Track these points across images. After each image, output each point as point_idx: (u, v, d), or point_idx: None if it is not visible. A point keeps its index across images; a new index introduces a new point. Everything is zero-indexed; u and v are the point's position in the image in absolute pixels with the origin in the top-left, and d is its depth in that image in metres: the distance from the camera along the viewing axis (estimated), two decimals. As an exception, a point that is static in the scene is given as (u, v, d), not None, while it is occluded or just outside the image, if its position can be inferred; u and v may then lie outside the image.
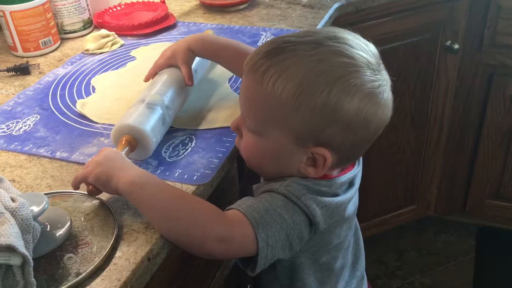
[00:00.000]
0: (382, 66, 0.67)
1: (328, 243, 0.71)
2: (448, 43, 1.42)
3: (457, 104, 1.55)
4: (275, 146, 0.66)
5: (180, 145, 0.78)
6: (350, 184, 0.72)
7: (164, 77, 0.84)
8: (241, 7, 1.26)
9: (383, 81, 0.65)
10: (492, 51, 1.44)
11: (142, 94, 0.81)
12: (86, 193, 0.66)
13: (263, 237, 0.62)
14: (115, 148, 0.72)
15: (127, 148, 0.72)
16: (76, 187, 0.67)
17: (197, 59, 0.89)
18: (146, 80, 0.89)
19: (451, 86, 1.52)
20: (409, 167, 1.63)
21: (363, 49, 0.64)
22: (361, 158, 0.76)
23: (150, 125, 0.74)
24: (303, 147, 0.65)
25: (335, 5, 1.23)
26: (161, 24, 1.18)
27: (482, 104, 1.53)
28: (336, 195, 0.68)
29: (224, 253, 0.64)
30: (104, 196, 0.67)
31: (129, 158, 0.70)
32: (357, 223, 0.82)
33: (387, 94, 0.66)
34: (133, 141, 0.72)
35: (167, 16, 1.21)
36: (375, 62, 0.65)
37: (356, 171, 0.73)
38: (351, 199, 0.71)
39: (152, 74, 0.88)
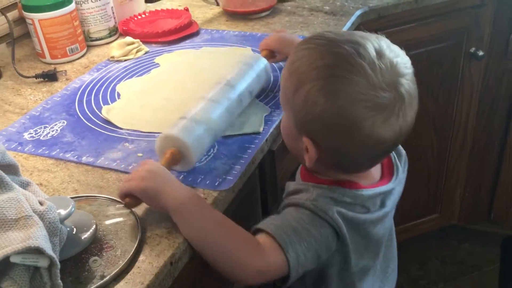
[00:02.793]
0: (400, 85, 0.63)
1: (353, 261, 0.71)
2: (473, 49, 1.41)
3: (482, 111, 1.53)
4: (288, 126, 0.70)
5: (203, 151, 0.79)
6: (382, 202, 0.71)
7: (220, 91, 0.83)
8: (264, 14, 1.27)
9: (389, 100, 0.62)
10: (517, 57, 1.42)
11: (196, 105, 0.79)
12: (125, 204, 0.66)
13: (293, 257, 0.63)
14: (155, 160, 0.72)
15: (169, 162, 0.71)
16: (122, 198, 0.67)
17: (255, 79, 0.89)
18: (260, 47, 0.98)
19: (476, 93, 1.50)
20: (432, 175, 1.61)
21: (374, 64, 0.61)
22: (400, 174, 0.75)
23: (199, 142, 0.73)
24: (300, 134, 0.67)
25: (358, 12, 1.23)
26: (185, 32, 1.20)
27: (507, 111, 1.50)
28: (365, 207, 0.68)
29: (261, 281, 0.66)
30: (128, 200, 0.68)
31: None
32: (392, 252, 0.82)
33: (395, 112, 0.62)
34: (178, 155, 0.72)
35: (190, 23, 1.23)
36: (386, 79, 0.62)
37: (389, 187, 0.72)
38: (378, 220, 0.71)
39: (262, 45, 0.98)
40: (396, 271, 0.85)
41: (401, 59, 0.65)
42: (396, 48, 0.66)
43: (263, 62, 0.92)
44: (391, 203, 0.73)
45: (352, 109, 0.61)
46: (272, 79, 0.96)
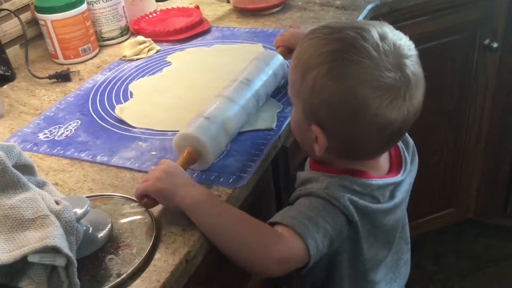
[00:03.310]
0: (405, 66, 0.63)
1: (363, 250, 0.71)
2: (487, 41, 1.39)
3: (497, 104, 1.51)
4: (297, 118, 0.71)
5: (216, 148, 0.79)
6: (391, 194, 0.71)
7: (236, 90, 0.82)
8: (274, 10, 1.27)
9: (394, 79, 0.62)
10: (533, 48, 1.39)
11: (214, 104, 0.79)
12: (142, 205, 0.67)
13: (313, 244, 0.64)
14: (172, 159, 0.72)
15: (186, 161, 0.71)
16: (140, 199, 0.67)
17: (272, 78, 0.89)
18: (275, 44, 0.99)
19: (491, 86, 1.48)
20: (447, 169, 1.59)
21: (378, 45, 0.63)
22: (408, 168, 0.75)
23: (217, 142, 0.74)
24: (309, 123, 0.67)
25: (369, 6, 1.22)
26: (196, 30, 1.20)
27: (523, 104, 1.48)
28: (375, 198, 0.69)
29: (282, 272, 0.66)
30: (143, 199, 0.69)
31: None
32: (405, 246, 0.82)
33: (400, 93, 0.63)
34: (195, 154, 0.72)
35: (201, 21, 1.23)
36: (390, 60, 0.62)
37: (398, 179, 0.72)
38: (389, 211, 0.71)
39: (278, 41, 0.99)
40: (409, 264, 0.85)
41: (404, 41, 0.65)
42: (399, 32, 0.67)
43: (279, 59, 0.91)
44: (401, 194, 0.73)
45: (359, 90, 0.62)
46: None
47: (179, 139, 0.74)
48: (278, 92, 0.93)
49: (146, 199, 0.66)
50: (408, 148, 0.78)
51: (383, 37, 0.64)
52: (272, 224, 0.66)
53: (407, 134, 0.77)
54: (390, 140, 0.69)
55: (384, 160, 0.74)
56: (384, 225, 0.72)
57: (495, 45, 1.38)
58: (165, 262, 0.60)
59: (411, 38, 0.68)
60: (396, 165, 0.75)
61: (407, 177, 0.75)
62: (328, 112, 0.65)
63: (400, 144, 0.77)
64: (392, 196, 0.72)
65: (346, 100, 0.63)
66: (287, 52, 0.97)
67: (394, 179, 0.72)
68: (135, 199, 0.69)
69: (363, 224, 0.68)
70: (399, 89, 0.63)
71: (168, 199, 0.65)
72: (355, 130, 0.65)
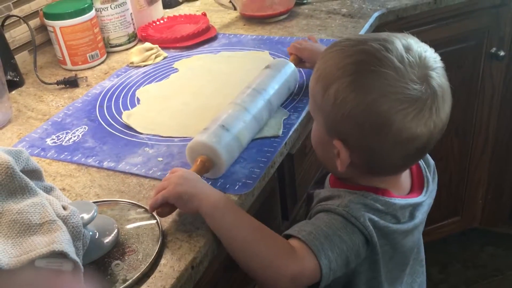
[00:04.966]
0: (431, 78, 0.62)
1: (382, 273, 0.70)
2: (493, 50, 1.39)
3: (503, 112, 1.51)
4: (319, 133, 0.69)
5: (222, 155, 0.79)
6: (411, 214, 0.70)
7: (251, 99, 0.82)
8: (281, 18, 1.27)
9: (420, 92, 0.61)
10: (540, 57, 1.39)
11: (229, 113, 0.78)
12: (157, 214, 0.66)
13: (326, 264, 0.62)
14: (181, 167, 0.72)
15: (199, 169, 0.71)
16: (154, 209, 0.66)
17: (285, 86, 0.89)
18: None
19: (497, 94, 1.47)
20: (453, 177, 1.59)
21: (402, 57, 0.61)
22: (430, 189, 0.73)
23: (230, 151, 0.73)
24: (331, 138, 0.66)
25: (376, 14, 1.22)
26: (203, 36, 1.20)
27: (530, 113, 1.48)
28: (397, 218, 0.68)
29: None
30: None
31: None
32: (420, 270, 0.81)
33: (426, 105, 0.61)
34: (208, 163, 0.72)
35: (208, 28, 1.24)
36: (416, 72, 0.61)
37: (420, 200, 0.71)
38: (408, 232, 0.70)
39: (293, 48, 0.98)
40: (424, 286, 0.83)
41: (429, 53, 0.64)
42: (424, 44, 0.65)
43: (291, 68, 0.91)
44: (421, 215, 0.71)
45: (382, 102, 0.60)
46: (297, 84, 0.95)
47: (194, 145, 0.73)
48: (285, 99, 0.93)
49: (160, 208, 0.65)
50: (429, 167, 0.76)
51: (408, 49, 0.62)
52: (287, 236, 0.65)
53: (428, 154, 0.76)
54: (415, 156, 0.67)
55: (405, 179, 0.73)
56: (403, 246, 0.70)
57: (501, 53, 1.38)
58: (171, 268, 0.60)
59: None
60: (417, 185, 0.74)
61: (428, 198, 0.73)
62: (351, 126, 0.63)
63: (421, 163, 0.75)
64: (412, 216, 0.70)
65: (369, 113, 0.61)
66: (298, 61, 0.97)
67: (416, 199, 0.70)
68: (141, 205, 0.69)
69: (382, 245, 0.66)
70: (425, 101, 0.61)
71: (188, 203, 0.65)
72: (379, 145, 0.63)
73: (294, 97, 0.93)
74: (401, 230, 0.68)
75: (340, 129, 0.64)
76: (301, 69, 0.99)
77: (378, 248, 0.65)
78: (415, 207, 0.70)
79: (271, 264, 0.63)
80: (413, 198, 0.70)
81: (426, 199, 0.72)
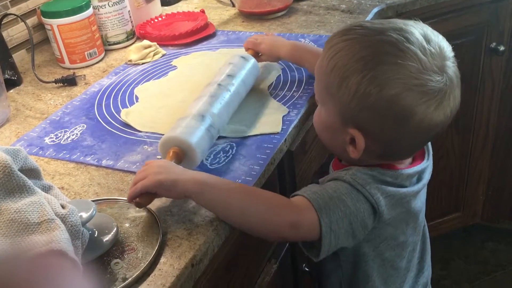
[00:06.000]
0: (448, 68, 0.63)
1: (393, 237, 0.71)
2: (493, 44, 1.38)
3: (504, 107, 1.50)
4: (329, 119, 0.69)
5: (221, 152, 0.79)
6: (419, 177, 0.72)
7: (214, 88, 0.84)
8: (280, 14, 1.27)
9: (442, 83, 0.62)
10: (540, 52, 1.39)
11: (192, 104, 0.81)
12: (135, 205, 0.66)
13: (326, 222, 0.63)
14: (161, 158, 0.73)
15: (174, 160, 0.72)
16: (133, 199, 0.65)
17: (247, 69, 0.90)
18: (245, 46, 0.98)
19: (497, 89, 1.47)
20: (454, 173, 1.59)
21: (424, 48, 0.62)
22: (430, 153, 0.75)
23: (197, 136, 0.74)
24: (346, 126, 0.66)
25: (375, 10, 1.22)
26: (201, 34, 1.20)
27: (531, 107, 1.48)
28: (403, 187, 0.69)
29: (294, 237, 0.68)
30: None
31: None
32: (427, 232, 0.82)
33: (446, 96, 0.63)
34: (181, 153, 0.73)
35: (206, 25, 1.23)
36: (437, 63, 0.62)
37: (424, 165, 0.72)
38: (418, 193, 0.71)
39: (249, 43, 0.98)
40: (430, 265, 0.84)
41: (445, 42, 0.65)
42: (437, 32, 0.66)
43: (251, 61, 0.93)
44: (427, 176, 0.73)
45: (407, 96, 0.61)
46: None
47: (161, 147, 0.74)
48: (283, 96, 0.93)
49: (138, 198, 0.65)
50: None
51: (427, 39, 0.63)
52: (293, 197, 0.67)
53: None
54: (430, 140, 0.69)
55: None
56: (415, 208, 0.71)
57: (501, 48, 1.37)
58: (170, 266, 0.60)
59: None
60: (418, 156, 0.75)
61: (429, 164, 0.75)
62: (372, 117, 0.63)
63: None
64: (419, 179, 0.72)
65: (393, 106, 0.62)
66: (255, 55, 0.97)
67: (420, 166, 0.71)
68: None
69: (394, 212, 0.67)
70: (445, 92, 0.63)
71: (171, 188, 0.65)
72: (399, 134, 0.64)
73: (293, 94, 0.93)
74: (412, 192, 0.69)
75: (358, 119, 0.64)
76: (297, 66, 1.00)
77: (385, 216, 0.66)
78: (420, 172, 0.72)
79: (271, 217, 0.65)
80: (418, 165, 0.71)
81: (429, 163, 0.74)
